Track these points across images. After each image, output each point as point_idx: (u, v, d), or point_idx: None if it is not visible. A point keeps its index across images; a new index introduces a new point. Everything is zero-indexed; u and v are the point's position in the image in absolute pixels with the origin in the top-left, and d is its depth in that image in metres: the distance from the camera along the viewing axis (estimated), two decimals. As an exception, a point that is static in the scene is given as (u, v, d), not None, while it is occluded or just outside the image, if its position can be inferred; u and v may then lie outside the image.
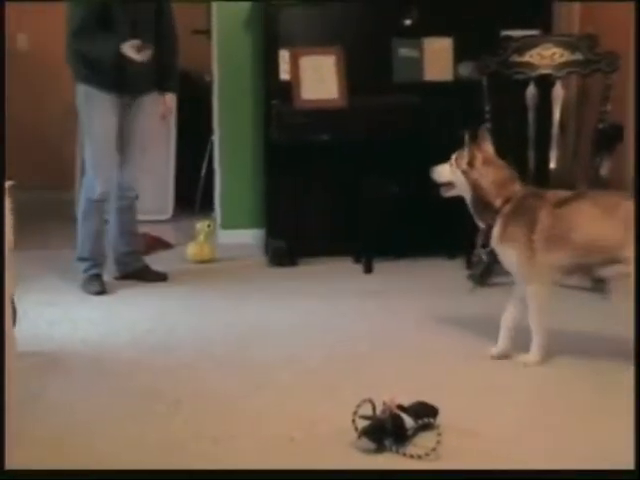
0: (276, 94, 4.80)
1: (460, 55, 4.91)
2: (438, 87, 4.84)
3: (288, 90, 4.73)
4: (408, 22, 4.91)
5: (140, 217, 4.80)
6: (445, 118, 4.59)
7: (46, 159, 6.74)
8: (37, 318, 3.80)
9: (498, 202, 3.20)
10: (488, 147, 3.29)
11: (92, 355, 3.42)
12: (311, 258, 4.83)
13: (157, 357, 3.39)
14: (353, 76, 4.73)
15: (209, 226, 5.00)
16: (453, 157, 3.30)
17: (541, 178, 4.22)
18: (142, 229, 4.88)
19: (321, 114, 4.63)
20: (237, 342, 3.57)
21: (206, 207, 5.87)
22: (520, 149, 4.30)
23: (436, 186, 3.37)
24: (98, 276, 4.30)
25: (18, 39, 6.77)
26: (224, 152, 5.36)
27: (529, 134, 4.32)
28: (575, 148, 4.53)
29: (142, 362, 3.35)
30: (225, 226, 5.37)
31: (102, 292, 4.24)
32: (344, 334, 3.64)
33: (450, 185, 3.32)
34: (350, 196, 4.80)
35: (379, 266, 4.63)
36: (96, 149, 4.19)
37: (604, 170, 4.05)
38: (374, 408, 2.58)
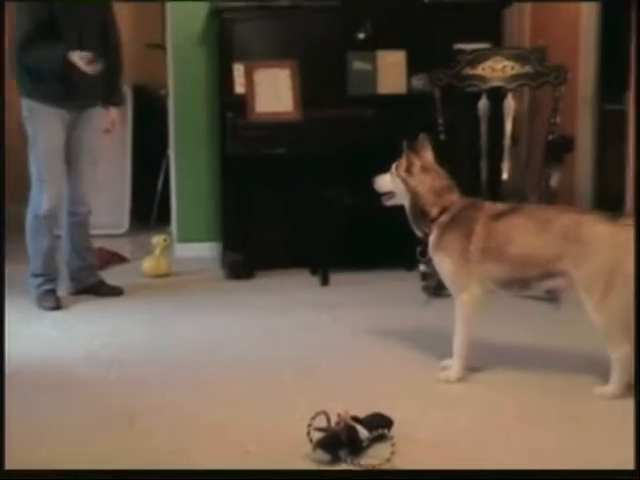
0: (231, 107, 4.80)
1: (413, 68, 4.97)
2: (392, 100, 4.88)
3: (243, 103, 4.75)
4: (362, 36, 4.95)
5: (96, 232, 4.79)
6: (399, 130, 4.61)
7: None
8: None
9: (435, 211, 3.21)
10: (427, 155, 3.28)
11: (46, 371, 3.39)
12: (268, 271, 4.83)
13: (111, 372, 3.37)
14: (308, 89, 4.76)
15: (165, 240, 4.98)
16: (393, 166, 3.30)
17: (493, 189, 4.27)
18: (98, 244, 4.86)
19: (276, 127, 4.66)
20: (192, 356, 3.56)
21: (163, 221, 5.86)
22: (473, 160, 4.36)
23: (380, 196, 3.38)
24: (52, 292, 4.27)
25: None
26: (180, 166, 5.36)
27: (481, 146, 4.38)
28: (526, 159, 4.60)
29: (97, 377, 3.33)
30: (181, 240, 5.36)
31: (56, 308, 4.21)
32: (299, 346, 3.65)
33: (391, 194, 3.33)
34: (306, 208, 4.82)
35: (336, 278, 4.65)
36: (42, 164, 4.16)
37: (554, 181, 4.11)
38: (329, 420, 2.60)
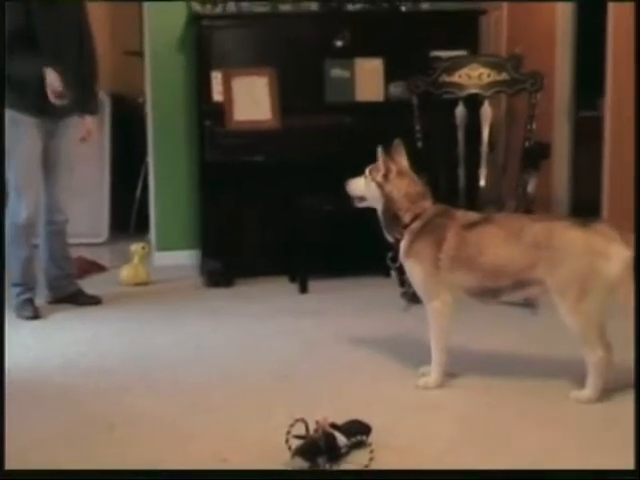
0: (209, 115, 4.81)
1: (391, 75, 5.00)
2: (369, 107, 4.91)
3: (221, 111, 4.76)
4: (339, 43, 4.98)
5: (74, 240, 4.77)
6: (377, 137, 4.62)
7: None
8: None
9: (407, 217, 3.20)
10: (402, 160, 3.28)
11: (25, 380, 3.37)
12: (247, 278, 4.84)
13: (90, 381, 3.36)
14: (286, 97, 4.78)
15: (144, 248, 4.97)
16: (367, 170, 3.30)
17: (471, 196, 4.30)
18: (76, 253, 4.85)
19: (254, 135, 4.67)
20: (171, 364, 3.55)
21: (142, 229, 5.85)
22: (450, 167, 4.38)
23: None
24: (30, 301, 4.25)
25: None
26: (159, 174, 5.35)
27: (459, 152, 4.41)
28: (503, 166, 4.63)
29: (75, 386, 3.31)
30: (160, 248, 5.36)
31: (35, 317, 4.20)
32: (278, 354, 3.65)
33: (363, 198, 3.33)
34: (285, 216, 4.83)
35: (315, 285, 4.66)
36: (20, 173, 4.15)
37: (531, 187, 4.14)
38: (307, 427, 2.60)
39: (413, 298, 4.16)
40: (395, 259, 3.30)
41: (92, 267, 5.20)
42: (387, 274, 4.73)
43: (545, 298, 3.21)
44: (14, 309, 4.22)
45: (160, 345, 3.82)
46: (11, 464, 2.46)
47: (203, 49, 4.96)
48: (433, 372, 3.20)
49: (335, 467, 2.52)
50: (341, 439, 2.59)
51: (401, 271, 3.44)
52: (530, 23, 6.74)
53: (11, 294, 4.24)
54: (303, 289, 4.65)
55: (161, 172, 5.34)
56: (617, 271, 2.91)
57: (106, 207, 6.15)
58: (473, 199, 4.33)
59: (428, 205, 3.24)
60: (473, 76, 4.39)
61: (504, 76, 4.35)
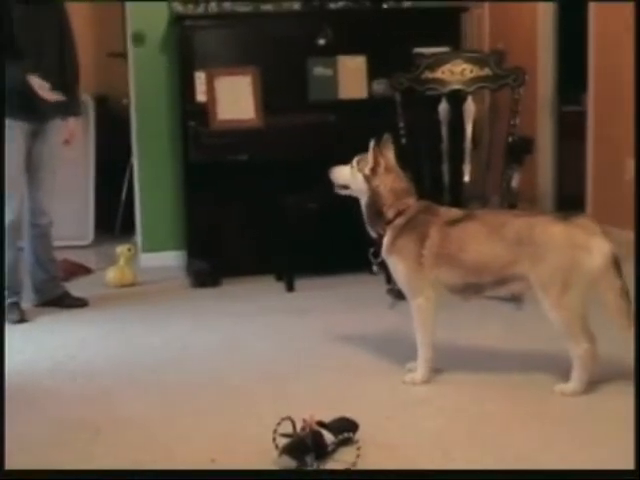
0: (193, 116, 4.81)
1: (374, 73, 5.01)
2: (353, 105, 4.92)
3: (205, 111, 4.75)
4: (322, 42, 4.98)
5: (60, 243, 4.76)
6: (360, 135, 4.63)
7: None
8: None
9: (391, 213, 3.19)
10: (390, 155, 3.28)
11: (11, 384, 3.35)
12: (234, 278, 4.83)
13: (77, 384, 3.36)
14: (269, 95, 4.77)
15: (129, 250, 4.96)
16: (355, 160, 3.29)
17: (455, 191, 4.31)
18: (62, 255, 4.84)
19: (238, 134, 4.67)
20: (158, 366, 3.55)
21: (127, 231, 5.84)
22: (434, 163, 4.39)
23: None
24: (16, 304, 4.24)
25: None
26: (144, 175, 5.34)
27: (443, 149, 4.42)
28: (487, 161, 4.64)
29: (62, 390, 3.31)
30: (146, 249, 5.35)
31: (21, 321, 4.19)
32: (265, 353, 3.65)
33: (346, 187, 3.32)
34: (270, 214, 4.83)
35: (301, 283, 4.67)
36: (5, 177, 4.12)
37: (515, 182, 4.15)
38: (294, 426, 2.60)
39: (399, 295, 4.16)
40: (377, 254, 3.30)
41: (78, 269, 5.19)
42: (372, 271, 4.74)
43: (529, 293, 3.22)
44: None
45: (147, 346, 3.81)
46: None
47: (186, 49, 4.96)
48: (420, 368, 3.21)
49: (322, 465, 2.53)
50: (328, 437, 2.60)
51: (383, 266, 3.44)
52: (512, 19, 6.77)
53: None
54: (289, 288, 4.65)
55: (146, 173, 5.33)
56: (599, 264, 2.92)
57: (91, 209, 6.13)
58: (457, 195, 4.35)
59: (412, 202, 3.24)
60: (456, 72, 4.40)
61: (487, 72, 4.36)
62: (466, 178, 4.39)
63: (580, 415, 2.90)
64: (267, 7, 5.03)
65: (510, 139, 4.27)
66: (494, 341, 3.65)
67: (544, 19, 6.37)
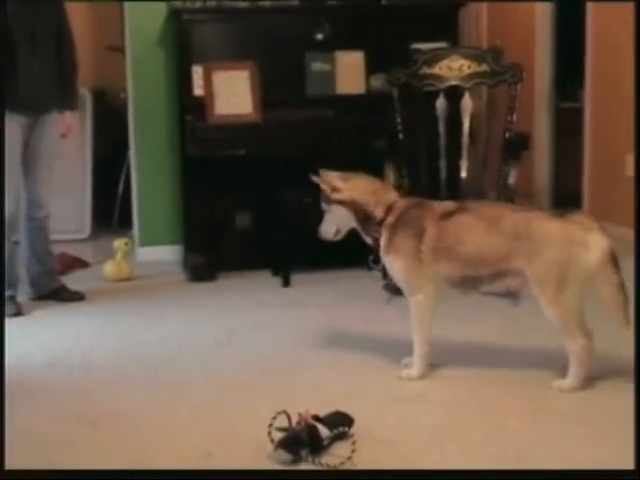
0: (190, 110, 4.80)
1: (371, 68, 5.01)
2: (351, 100, 4.92)
3: (202, 106, 4.75)
4: (320, 36, 4.98)
5: (57, 237, 4.76)
6: (358, 130, 4.67)
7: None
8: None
9: (379, 211, 3.18)
10: (333, 176, 3.24)
11: (7, 377, 3.35)
12: (230, 272, 4.84)
13: (73, 378, 3.36)
14: (267, 91, 4.77)
15: (126, 244, 4.96)
16: (322, 202, 3.27)
17: (452, 187, 4.31)
18: (59, 249, 4.84)
19: (236, 129, 4.67)
20: (154, 360, 3.55)
21: (124, 225, 5.84)
22: (431, 159, 4.40)
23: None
24: (12, 298, 4.23)
25: None
26: (141, 169, 5.34)
27: (440, 144, 4.42)
28: (484, 157, 4.64)
29: (58, 383, 3.31)
30: (143, 243, 5.35)
31: (17, 314, 4.18)
32: (261, 347, 3.65)
33: (338, 229, 3.29)
34: (267, 209, 4.83)
35: (297, 278, 4.67)
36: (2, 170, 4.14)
37: (512, 178, 4.15)
38: (290, 420, 2.61)
39: (395, 290, 4.17)
40: (377, 260, 3.29)
41: (75, 263, 5.19)
42: (369, 268, 4.74)
43: (526, 289, 3.22)
44: (-4, 306, 4.21)
45: (143, 340, 3.81)
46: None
47: (184, 44, 4.95)
48: (416, 364, 3.21)
49: (318, 459, 2.53)
50: (324, 431, 2.60)
51: (385, 271, 3.42)
52: (510, 15, 6.77)
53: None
54: (286, 282, 4.66)
55: (143, 167, 5.33)
56: (596, 259, 2.93)
57: (88, 203, 6.13)
58: (454, 191, 4.35)
59: (395, 196, 3.23)
60: (453, 68, 4.40)
61: (484, 68, 4.37)
62: (463, 174, 4.40)
63: (578, 411, 2.90)
64: (265, 2, 5.02)
65: (507, 135, 4.28)
66: (491, 337, 3.66)
67: (542, 15, 6.38)
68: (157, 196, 5.31)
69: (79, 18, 5.50)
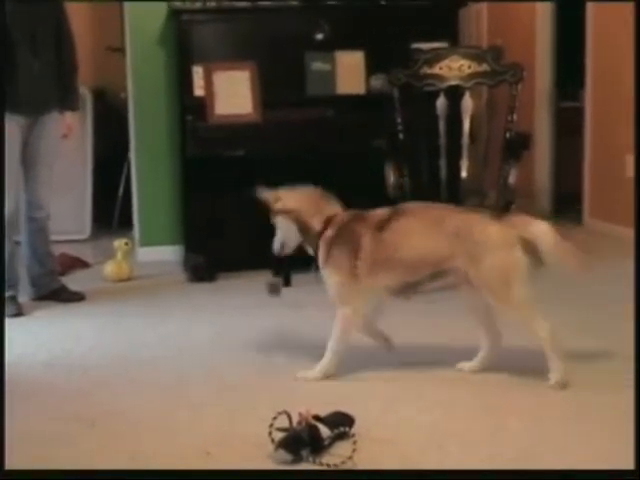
0: (191, 110, 4.80)
1: (372, 68, 5.01)
2: (351, 100, 4.92)
3: (203, 106, 4.75)
4: (320, 36, 4.98)
5: (57, 237, 4.76)
6: (358, 130, 4.66)
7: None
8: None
9: (317, 223, 3.16)
10: (278, 189, 3.26)
11: (8, 376, 3.35)
12: (230, 272, 4.84)
13: (73, 378, 3.36)
14: (267, 90, 4.77)
15: (127, 244, 4.97)
16: (274, 220, 3.29)
17: (452, 187, 4.31)
18: (60, 249, 4.85)
19: (236, 129, 4.66)
20: (154, 360, 3.55)
21: (125, 225, 5.84)
22: (432, 159, 4.39)
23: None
24: (13, 298, 4.24)
25: None
26: (141, 169, 5.34)
27: (440, 144, 4.41)
28: (485, 157, 4.64)
29: (58, 383, 3.31)
30: (144, 243, 5.35)
31: (18, 314, 4.19)
32: (261, 347, 3.65)
33: (285, 244, 3.30)
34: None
35: (298, 278, 4.66)
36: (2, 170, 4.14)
37: (512, 178, 4.15)
38: (290, 420, 2.61)
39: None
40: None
41: (75, 263, 5.19)
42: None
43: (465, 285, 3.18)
44: (-3, 307, 4.21)
45: (143, 340, 3.81)
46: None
47: (184, 44, 4.96)
48: (320, 366, 3.20)
49: (318, 459, 2.53)
50: (324, 431, 2.60)
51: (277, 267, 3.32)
52: (511, 15, 6.77)
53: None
54: (286, 282, 4.65)
55: (143, 167, 5.33)
56: (548, 244, 2.96)
57: (89, 203, 6.14)
58: (455, 190, 4.34)
59: (337, 210, 3.21)
60: (454, 68, 4.40)
61: (485, 67, 4.36)
62: (463, 174, 4.39)
63: (578, 410, 2.90)
64: (265, 2, 5.02)
65: (508, 135, 4.27)
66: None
67: (542, 15, 6.38)
68: (157, 196, 5.32)
69: (79, 18, 5.51)
